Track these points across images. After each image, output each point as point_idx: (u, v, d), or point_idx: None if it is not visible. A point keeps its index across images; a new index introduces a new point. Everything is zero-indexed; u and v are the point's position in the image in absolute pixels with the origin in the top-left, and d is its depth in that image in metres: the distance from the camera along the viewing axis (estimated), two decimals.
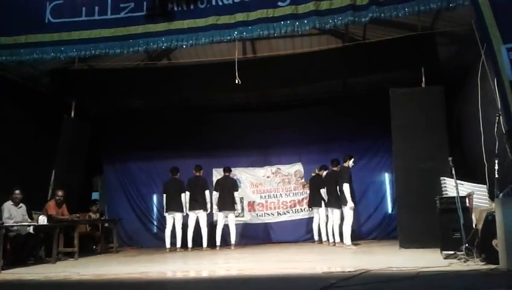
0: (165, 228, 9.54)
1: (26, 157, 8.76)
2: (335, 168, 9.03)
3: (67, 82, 9.22)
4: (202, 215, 9.34)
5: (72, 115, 9.35)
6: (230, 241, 9.44)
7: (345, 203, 8.28)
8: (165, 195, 9.56)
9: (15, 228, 7.25)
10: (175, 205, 9.38)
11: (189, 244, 9.26)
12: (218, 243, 9.36)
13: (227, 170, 9.85)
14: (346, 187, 8.27)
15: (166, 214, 9.51)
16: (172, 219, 9.41)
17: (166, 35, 6.54)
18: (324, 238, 9.32)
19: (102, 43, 6.52)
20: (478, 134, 6.96)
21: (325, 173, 9.53)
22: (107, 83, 9.36)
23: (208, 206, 9.41)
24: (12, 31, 6.74)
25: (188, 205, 9.39)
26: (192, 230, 9.33)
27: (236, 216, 10.04)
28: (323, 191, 9.25)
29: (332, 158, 9.28)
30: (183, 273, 5.78)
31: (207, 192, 9.40)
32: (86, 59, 8.65)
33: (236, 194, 9.59)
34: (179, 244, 9.31)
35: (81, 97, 9.57)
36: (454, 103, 8.85)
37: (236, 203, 9.64)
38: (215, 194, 9.56)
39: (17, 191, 7.56)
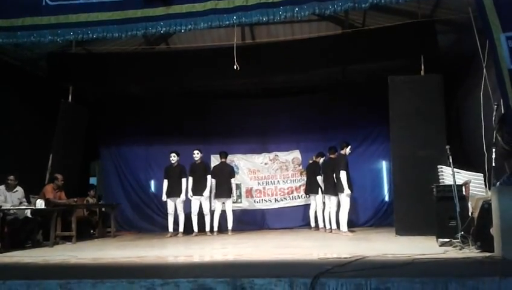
0: (167, 213, 9.52)
1: (23, 141, 8.75)
2: (332, 156, 9.04)
3: (65, 66, 9.17)
4: (204, 201, 9.37)
5: (70, 99, 9.33)
6: (227, 227, 9.47)
7: (342, 190, 8.31)
8: (214, 180, 9.50)
9: (12, 211, 7.26)
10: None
11: (181, 229, 9.37)
12: (215, 228, 9.39)
13: (224, 155, 9.79)
14: (343, 174, 8.29)
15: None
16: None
17: (165, 20, 6.47)
18: (321, 225, 9.37)
19: (99, 26, 6.44)
20: (477, 123, 6.95)
21: (321, 160, 9.55)
22: (105, 68, 9.31)
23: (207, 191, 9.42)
24: (10, 13, 6.65)
25: (191, 190, 9.38)
26: (197, 215, 9.37)
27: (234, 202, 10.06)
28: (319, 179, 9.28)
29: (330, 145, 9.29)
30: (181, 258, 5.81)
31: (208, 177, 9.40)
32: (84, 43, 8.60)
33: (233, 180, 9.59)
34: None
35: (79, 81, 9.53)
36: (454, 92, 8.84)
37: (232, 190, 9.63)
38: (213, 181, 9.58)
39: (11, 177, 7.53)
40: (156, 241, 8.36)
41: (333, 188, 8.70)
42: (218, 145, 10.48)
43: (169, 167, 9.50)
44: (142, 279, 3.61)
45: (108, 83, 10.27)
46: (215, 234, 9.29)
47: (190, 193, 9.33)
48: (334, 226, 8.82)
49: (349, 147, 8.68)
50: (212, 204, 9.69)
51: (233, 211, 9.68)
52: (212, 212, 9.51)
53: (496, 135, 5.46)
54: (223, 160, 9.78)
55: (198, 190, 9.30)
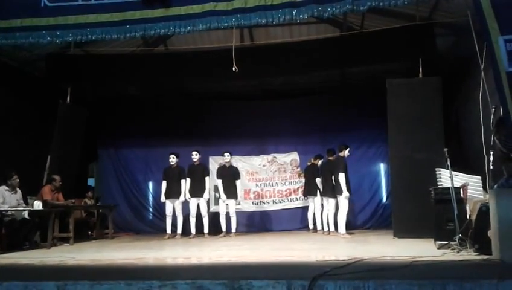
0: (165, 214, 9.52)
1: (22, 142, 8.73)
2: (331, 158, 9.04)
3: (63, 67, 9.17)
4: (202, 202, 9.36)
5: (68, 100, 9.32)
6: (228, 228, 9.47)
7: (340, 192, 8.30)
8: (220, 181, 9.51)
9: (10, 212, 7.25)
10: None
11: (179, 230, 9.35)
12: (224, 229, 9.40)
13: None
14: (341, 177, 8.29)
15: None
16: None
17: (163, 22, 6.47)
18: (319, 227, 9.37)
19: (98, 28, 6.43)
20: (476, 125, 6.96)
21: (320, 162, 9.56)
22: (103, 69, 9.30)
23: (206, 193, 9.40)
24: (8, 14, 6.64)
25: (189, 192, 9.35)
26: (195, 217, 9.34)
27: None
28: (318, 181, 9.28)
29: (328, 148, 9.30)
30: (179, 260, 5.80)
31: (207, 178, 9.39)
32: (82, 44, 8.60)
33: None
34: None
35: (77, 82, 9.53)
36: (452, 94, 8.86)
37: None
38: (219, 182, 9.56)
39: (15, 177, 7.53)
40: (154, 242, 8.35)
41: (331, 191, 8.70)
42: (217, 147, 10.50)
43: (168, 168, 9.49)
44: (140, 281, 3.61)
45: (107, 84, 10.29)
46: (223, 235, 9.27)
47: (188, 194, 9.30)
48: (332, 228, 8.83)
49: (348, 149, 8.67)
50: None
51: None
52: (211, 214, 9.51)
53: (494, 137, 5.47)
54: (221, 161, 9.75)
55: (196, 191, 9.28)
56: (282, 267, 4.80)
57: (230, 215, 9.43)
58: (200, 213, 9.34)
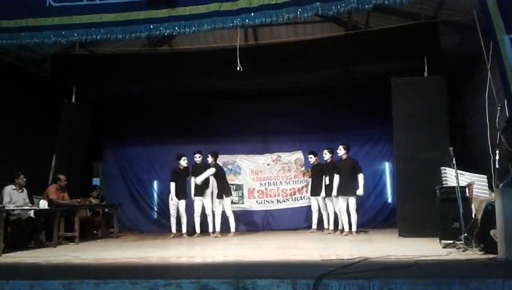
0: (169, 214, 9.52)
1: (27, 141, 8.77)
2: (344, 157, 8.91)
3: (68, 67, 9.21)
4: (207, 201, 9.35)
5: (73, 100, 9.36)
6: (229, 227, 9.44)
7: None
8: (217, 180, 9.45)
9: (16, 211, 7.28)
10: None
11: (184, 229, 9.29)
12: (218, 229, 9.37)
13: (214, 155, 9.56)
14: (336, 177, 8.56)
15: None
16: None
17: (169, 22, 6.48)
18: (325, 226, 9.35)
19: (103, 28, 6.45)
20: (481, 124, 6.93)
21: (315, 160, 9.51)
22: (108, 69, 9.33)
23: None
24: (13, 14, 6.67)
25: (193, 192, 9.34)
26: (199, 216, 9.30)
27: (235, 203, 9.99)
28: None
29: (328, 147, 9.25)
30: (183, 259, 5.81)
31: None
32: (87, 44, 8.63)
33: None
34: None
35: (82, 82, 9.57)
36: (457, 93, 8.82)
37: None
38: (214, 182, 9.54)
39: (22, 176, 7.58)
40: (159, 242, 8.37)
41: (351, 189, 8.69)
42: (220, 146, 10.46)
43: (177, 169, 9.39)
44: (144, 280, 3.62)
45: (111, 84, 10.32)
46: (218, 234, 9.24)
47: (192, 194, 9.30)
48: (335, 227, 8.85)
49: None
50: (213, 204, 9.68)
51: (235, 212, 9.61)
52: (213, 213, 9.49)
53: (500, 136, 5.44)
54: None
55: (200, 190, 9.27)
56: (287, 266, 4.80)
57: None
58: (205, 212, 9.32)
